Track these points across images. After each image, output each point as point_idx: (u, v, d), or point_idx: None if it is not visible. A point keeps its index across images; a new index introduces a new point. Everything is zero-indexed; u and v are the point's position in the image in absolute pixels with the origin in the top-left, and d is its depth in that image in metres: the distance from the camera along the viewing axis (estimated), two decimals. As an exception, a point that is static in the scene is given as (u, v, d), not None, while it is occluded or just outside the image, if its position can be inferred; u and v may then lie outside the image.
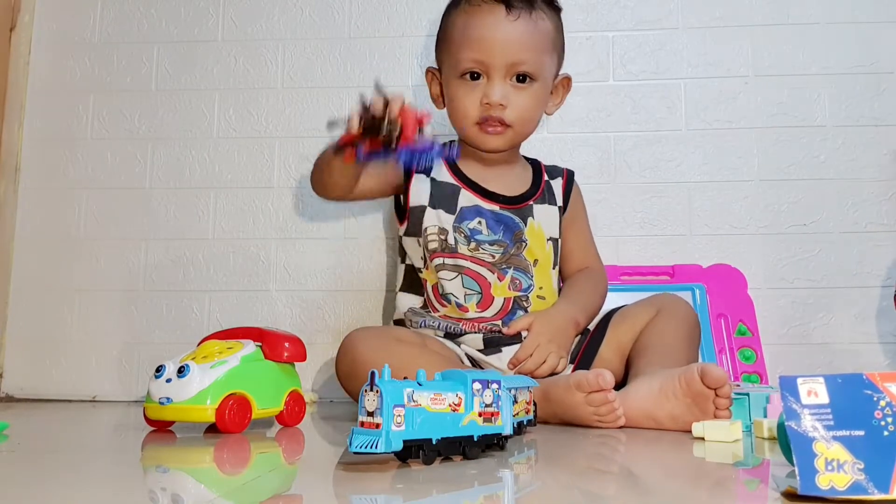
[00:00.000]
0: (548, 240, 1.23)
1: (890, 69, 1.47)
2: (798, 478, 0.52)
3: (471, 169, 1.24)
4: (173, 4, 1.57)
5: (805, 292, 1.42)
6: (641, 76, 1.51)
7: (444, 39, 1.22)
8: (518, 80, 1.17)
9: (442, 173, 1.22)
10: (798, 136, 1.47)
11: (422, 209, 1.20)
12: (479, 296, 1.17)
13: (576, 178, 1.32)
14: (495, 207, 1.21)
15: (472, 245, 1.18)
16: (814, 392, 0.55)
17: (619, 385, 1.06)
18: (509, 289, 1.18)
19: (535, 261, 1.21)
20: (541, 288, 1.21)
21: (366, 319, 1.46)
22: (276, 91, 1.54)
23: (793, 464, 0.53)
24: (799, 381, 0.55)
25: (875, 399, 0.54)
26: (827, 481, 0.52)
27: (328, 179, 1.15)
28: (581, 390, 0.93)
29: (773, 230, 1.45)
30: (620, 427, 0.94)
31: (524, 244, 1.20)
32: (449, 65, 1.20)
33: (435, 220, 1.19)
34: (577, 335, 1.18)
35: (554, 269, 1.24)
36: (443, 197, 1.20)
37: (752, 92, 1.49)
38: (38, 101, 1.56)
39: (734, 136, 1.48)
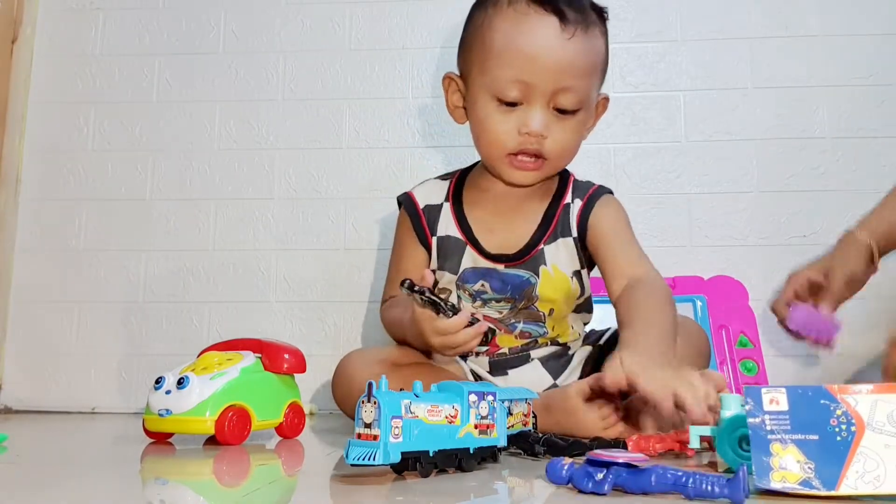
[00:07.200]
0: (571, 277, 1.10)
1: (889, 81, 1.47)
2: (754, 474, 0.59)
3: (479, 215, 1.12)
4: (174, 17, 1.58)
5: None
6: (641, 88, 1.51)
7: (476, 46, 1.04)
8: (560, 112, 1.01)
9: (449, 226, 1.12)
10: (797, 147, 1.47)
11: (432, 272, 1.12)
12: (486, 346, 1.11)
13: (606, 195, 1.12)
14: (500, 267, 1.10)
15: (478, 303, 1.12)
16: (776, 401, 0.62)
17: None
18: (516, 338, 1.13)
19: (551, 310, 1.11)
20: (553, 329, 1.13)
21: (366, 330, 1.46)
22: (276, 103, 1.55)
23: (732, 467, 0.63)
24: (763, 390, 0.62)
25: (832, 408, 0.61)
26: (780, 477, 0.59)
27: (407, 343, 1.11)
28: (584, 396, 0.92)
29: (773, 242, 1.45)
30: (618, 438, 0.93)
31: (536, 298, 1.10)
32: (481, 79, 1.02)
33: (440, 279, 1.13)
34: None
35: (580, 299, 1.13)
36: (447, 255, 1.12)
37: (751, 104, 1.49)
38: (40, 113, 1.56)
39: (734, 147, 1.48)
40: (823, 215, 1.45)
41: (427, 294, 0.92)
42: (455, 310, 0.94)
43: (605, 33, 1.06)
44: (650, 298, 0.98)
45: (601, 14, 1.06)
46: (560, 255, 1.10)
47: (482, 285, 1.11)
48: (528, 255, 1.09)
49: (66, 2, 1.60)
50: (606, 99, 1.11)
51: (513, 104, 1.01)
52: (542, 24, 0.98)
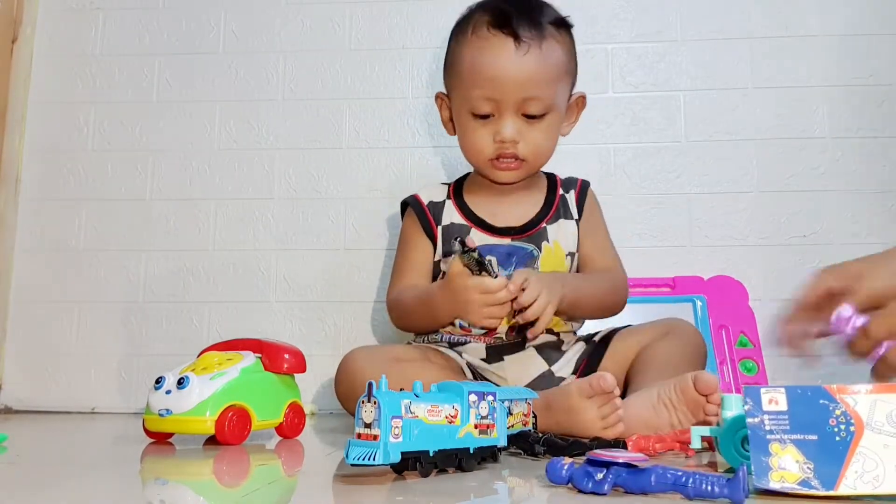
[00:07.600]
0: (567, 255, 1.20)
1: (889, 81, 1.47)
2: (753, 474, 0.59)
3: (480, 203, 1.22)
4: (175, 17, 1.58)
5: (805, 304, 1.42)
6: (641, 88, 1.51)
7: (452, 70, 1.19)
8: (529, 118, 1.14)
9: (452, 216, 1.21)
10: (797, 147, 1.47)
11: (438, 262, 1.21)
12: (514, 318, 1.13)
13: (591, 187, 1.27)
14: (506, 240, 1.19)
15: None
16: (775, 401, 0.62)
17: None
18: (514, 317, 1.14)
19: None
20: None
21: (366, 330, 1.46)
22: (276, 103, 1.55)
23: (734, 466, 0.61)
24: (762, 390, 0.62)
25: (831, 408, 0.61)
26: (779, 477, 0.59)
27: (424, 323, 1.18)
28: (584, 395, 0.92)
29: (773, 242, 1.45)
30: (618, 437, 0.93)
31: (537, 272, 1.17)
32: (459, 98, 1.17)
33: (444, 266, 1.18)
34: (560, 298, 1.08)
35: None
36: (452, 241, 1.18)
37: (751, 104, 1.49)
38: (40, 113, 1.56)
39: (733, 147, 1.48)
40: (823, 215, 1.45)
41: (477, 254, 0.97)
42: (496, 274, 1.01)
43: (565, 41, 1.17)
44: (599, 273, 1.20)
45: (562, 24, 1.17)
46: (561, 234, 1.20)
47: (488, 261, 1.13)
48: (533, 230, 1.20)
49: (66, 2, 1.60)
50: (583, 97, 1.23)
51: (487, 116, 1.14)
52: (500, 47, 1.12)
